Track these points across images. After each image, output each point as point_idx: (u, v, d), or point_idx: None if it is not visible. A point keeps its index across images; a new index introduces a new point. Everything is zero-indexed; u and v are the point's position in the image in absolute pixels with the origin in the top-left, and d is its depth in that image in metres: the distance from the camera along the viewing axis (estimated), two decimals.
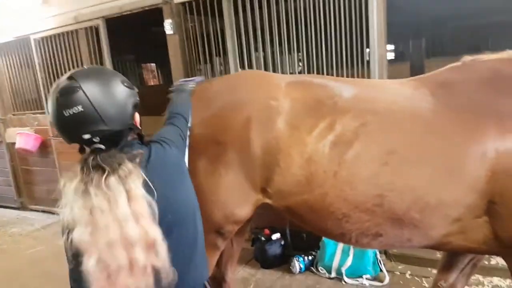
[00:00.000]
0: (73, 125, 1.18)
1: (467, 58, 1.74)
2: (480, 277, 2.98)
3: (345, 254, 3.24)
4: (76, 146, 1.28)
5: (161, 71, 10.00)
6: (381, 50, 3.14)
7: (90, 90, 1.18)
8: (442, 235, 1.61)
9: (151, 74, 10.60)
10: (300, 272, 3.37)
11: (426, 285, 3.01)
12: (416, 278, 3.13)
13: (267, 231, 3.63)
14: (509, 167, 1.47)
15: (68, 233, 1.09)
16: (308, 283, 3.23)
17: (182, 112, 1.70)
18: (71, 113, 1.16)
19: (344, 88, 1.77)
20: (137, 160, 1.20)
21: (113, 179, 1.11)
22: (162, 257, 1.10)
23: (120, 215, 1.07)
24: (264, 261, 3.53)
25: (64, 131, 1.22)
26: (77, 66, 4.77)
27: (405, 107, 1.65)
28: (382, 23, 3.10)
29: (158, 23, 4.13)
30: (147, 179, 1.16)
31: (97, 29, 4.54)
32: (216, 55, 4.03)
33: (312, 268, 3.39)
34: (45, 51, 5.01)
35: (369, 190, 1.59)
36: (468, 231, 1.59)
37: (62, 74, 4.59)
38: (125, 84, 1.28)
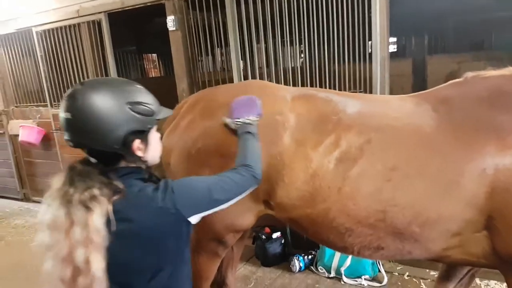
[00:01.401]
0: (64, 128, 1.23)
1: (468, 74, 1.75)
2: (477, 280, 3.03)
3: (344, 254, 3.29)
4: None
5: (162, 61, 9.94)
6: (383, 51, 3.14)
7: (86, 102, 1.18)
8: (442, 248, 1.64)
9: (152, 64, 10.55)
10: (300, 271, 3.42)
11: (424, 286, 3.07)
12: (414, 279, 3.18)
13: (267, 229, 3.68)
14: (508, 183, 1.49)
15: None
16: (308, 282, 3.29)
17: (247, 169, 1.45)
18: (63, 117, 1.21)
19: (348, 103, 1.78)
20: (111, 191, 1.18)
21: (76, 200, 1.13)
22: None
23: (73, 239, 1.11)
24: (265, 259, 3.58)
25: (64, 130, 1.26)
26: (79, 59, 4.80)
27: (408, 124, 1.67)
28: (384, 22, 3.10)
29: (160, 13, 4.11)
30: (111, 214, 1.15)
31: (99, 23, 4.53)
32: (217, 46, 4.02)
33: (312, 267, 3.44)
34: (47, 44, 5.00)
35: (372, 205, 1.61)
36: (467, 245, 1.61)
37: (64, 66, 4.61)
38: (132, 107, 1.22)
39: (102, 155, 1.24)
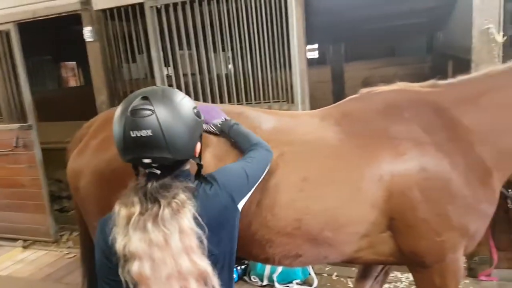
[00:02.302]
0: (137, 147, 1.17)
1: (363, 90, 1.92)
2: (398, 274, 3.26)
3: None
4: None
5: (82, 69, 9.43)
6: (301, 63, 3.27)
7: (163, 116, 1.16)
8: (354, 250, 1.75)
9: (70, 72, 9.97)
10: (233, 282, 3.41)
11: (351, 285, 3.21)
12: (342, 279, 3.33)
13: None
14: (403, 187, 1.65)
15: (124, 263, 1.09)
16: None
17: (259, 145, 1.58)
18: (139, 135, 1.14)
19: (262, 119, 1.85)
20: (189, 192, 1.19)
21: (167, 213, 1.11)
22: (213, 286, 1.14)
23: (174, 250, 1.09)
24: None
25: (125, 150, 1.19)
26: None
27: (315, 137, 1.78)
28: (302, 35, 3.24)
29: (78, 21, 3.91)
30: (196, 214, 1.16)
31: (7, 33, 4.18)
32: (139, 53, 3.92)
33: (245, 277, 3.45)
34: None
35: (288, 215, 1.67)
36: (376, 246, 1.75)
37: None
38: (195, 112, 1.26)
39: (172, 165, 1.23)
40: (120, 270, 1.10)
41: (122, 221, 1.12)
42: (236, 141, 1.67)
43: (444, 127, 1.71)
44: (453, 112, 1.73)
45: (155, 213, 1.11)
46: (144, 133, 1.14)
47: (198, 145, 1.30)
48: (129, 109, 1.16)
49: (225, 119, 1.74)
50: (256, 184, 1.46)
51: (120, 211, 1.14)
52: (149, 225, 1.10)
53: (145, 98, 1.18)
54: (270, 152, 1.60)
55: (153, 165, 1.19)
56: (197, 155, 1.30)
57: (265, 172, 1.53)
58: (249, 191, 1.41)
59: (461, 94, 1.76)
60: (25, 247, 4.52)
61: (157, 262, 1.08)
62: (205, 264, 1.13)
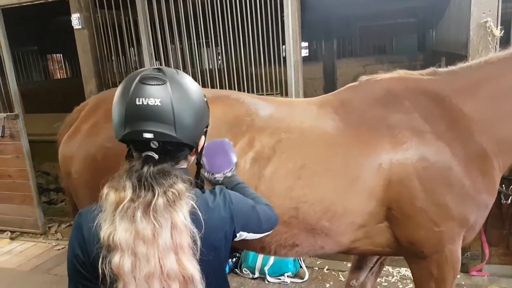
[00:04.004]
0: (141, 117, 1.04)
1: (363, 78, 1.88)
2: (390, 268, 3.25)
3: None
4: None
5: (69, 61, 9.27)
6: (295, 55, 3.24)
7: (175, 89, 1.06)
8: (350, 241, 1.72)
9: (57, 65, 9.78)
10: None
11: (342, 278, 3.21)
12: (333, 272, 3.32)
13: None
14: (402, 176, 1.62)
15: (106, 252, 0.99)
16: (233, 285, 3.25)
17: (269, 206, 1.38)
18: (145, 103, 1.03)
19: (259, 106, 1.81)
20: (189, 184, 1.07)
21: (161, 203, 1.00)
22: None
23: (162, 246, 0.99)
24: None
25: (124, 122, 1.05)
26: None
27: (313, 125, 1.75)
28: (296, 27, 3.20)
29: (63, 10, 3.80)
30: (196, 207, 1.05)
31: None
32: (130, 46, 3.84)
33: (237, 270, 3.42)
34: None
35: (285, 203, 1.64)
36: (372, 236, 1.72)
37: None
38: (205, 100, 1.18)
39: (173, 150, 1.10)
40: (100, 261, 1.00)
41: (110, 206, 1.01)
42: None
43: (445, 115, 1.68)
44: (454, 100, 1.70)
45: (148, 201, 1.00)
46: (152, 101, 1.03)
47: (202, 139, 1.19)
48: (139, 76, 1.06)
49: (228, 172, 1.48)
50: (258, 236, 1.31)
51: (108, 194, 1.03)
52: (139, 214, 0.99)
53: (158, 69, 1.10)
54: (278, 221, 1.40)
55: (154, 142, 1.06)
56: (199, 149, 1.19)
57: (268, 233, 1.36)
58: (251, 233, 1.26)
59: (462, 82, 1.74)
60: (12, 239, 4.45)
61: (139, 258, 0.98)
62: (193, 268, 1.01)
